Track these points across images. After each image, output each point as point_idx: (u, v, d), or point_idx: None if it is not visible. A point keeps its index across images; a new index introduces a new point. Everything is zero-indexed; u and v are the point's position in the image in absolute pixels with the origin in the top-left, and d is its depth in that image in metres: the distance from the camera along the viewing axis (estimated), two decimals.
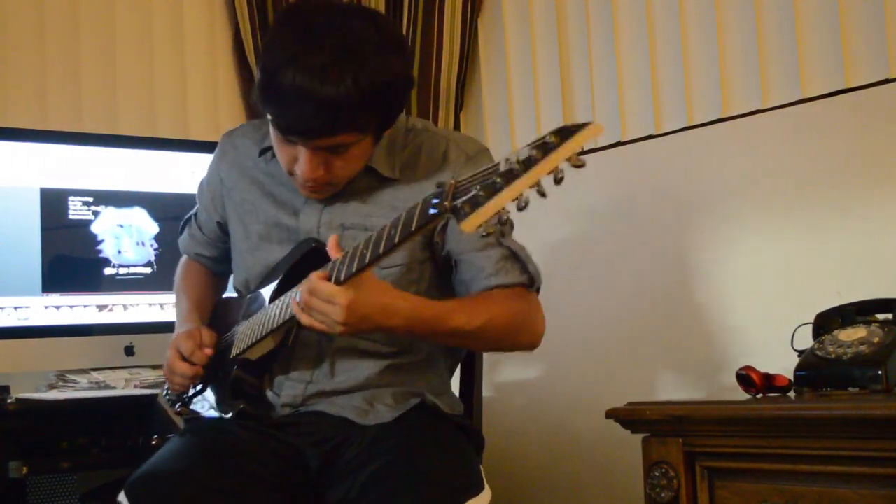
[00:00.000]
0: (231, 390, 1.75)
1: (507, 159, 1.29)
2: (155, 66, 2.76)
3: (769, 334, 2.15)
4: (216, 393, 1.81)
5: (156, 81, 2.76)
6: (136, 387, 2.33)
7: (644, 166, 2.52)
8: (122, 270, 2.43)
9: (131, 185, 2.45)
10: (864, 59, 2.16)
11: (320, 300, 1.53)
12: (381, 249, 1.45)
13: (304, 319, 1.58)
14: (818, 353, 1.86)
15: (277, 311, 1.67)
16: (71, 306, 2.36)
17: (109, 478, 2.27)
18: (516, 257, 1.74)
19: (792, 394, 1.88)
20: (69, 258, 2.37)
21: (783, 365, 1.91)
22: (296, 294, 1.61)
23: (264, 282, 1.79)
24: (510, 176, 1.27)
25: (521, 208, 1.28)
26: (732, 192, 2.34)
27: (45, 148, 2.36)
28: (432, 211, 1.35)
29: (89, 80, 2.65)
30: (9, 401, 2.11)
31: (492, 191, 1.27)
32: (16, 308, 2.30)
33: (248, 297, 1.83)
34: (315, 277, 1.54)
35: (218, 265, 2.01)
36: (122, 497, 1.52)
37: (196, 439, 1.66)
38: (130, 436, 2.11)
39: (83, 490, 2.33)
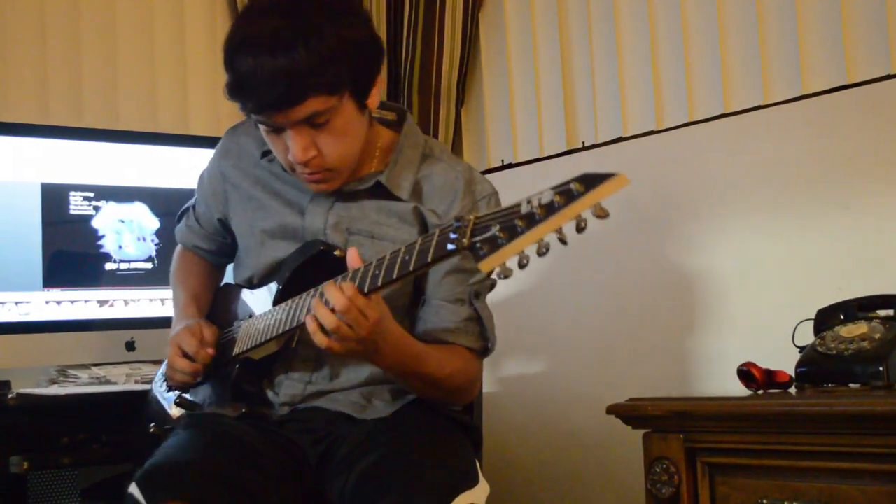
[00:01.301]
0: (232, 390, 1.76)
1: (529, 201, 1.27)
2: (156, 61, 2.76)
3: (770, 330, 2.14)
4: (216, 388, 1.81)
5: (156, 76, 2.76)
6: (136, 382, 2.33)
7: (645, 162, 2.51)
8: (123, 266, 2.43)
9: (132, 181, 2.45)
10: (865, 54, 2.16)
11: (355, 310, 1.50)
12: (395, 274, 1.45)
13: (323, 341, 1.54)
14: (819, 349, 1.86)
15: (283, 317, 1.66)
16: (72, 301, 2.36)
17: (110, 473, 2.27)
18: (480, 322, 1.75)
19: (793, 390, 1.88)
20: (70, 253, 2.37)
21: (784, 361, 1.91)
22: (305, 303, 1.60)
23: (267, 278, 1.79)
24: (531, 220, 1.26)
25: (541, 254, 1.27)
26: (734, 187, 2.34)
27: (46, 143, 2.36)
28: (450, 247, 1.35)
29: (90, 75, 2.65)
30: (9, 396, 2.11)
31: (512, 234, 1.27)
32: (17, 303, 2.30)
33: (251, 291, 1.83)
34: (350, 287, 1.51)
35: (215, 258, 2.01)
36: (133, 489, 1.52)
37: (203, 432, 1.66)
38: (131, 431, 2.10)
39: (84, 485, 2.33)
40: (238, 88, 1.59)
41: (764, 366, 1.90)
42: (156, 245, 2.46)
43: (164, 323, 2.33)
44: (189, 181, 2.44)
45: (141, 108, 2.72)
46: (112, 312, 2.40)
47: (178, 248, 2.05)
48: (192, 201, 2.01)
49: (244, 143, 1.87)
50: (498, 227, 1.28)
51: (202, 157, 2.49)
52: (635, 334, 2.49)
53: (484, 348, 1.77)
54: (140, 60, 2.74)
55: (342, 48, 1.58)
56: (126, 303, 2.42)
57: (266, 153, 1.81)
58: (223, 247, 1.97)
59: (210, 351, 1.78)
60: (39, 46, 2.60)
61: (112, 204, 2.42)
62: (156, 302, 2.45)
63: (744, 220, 2.31)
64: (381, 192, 1.74)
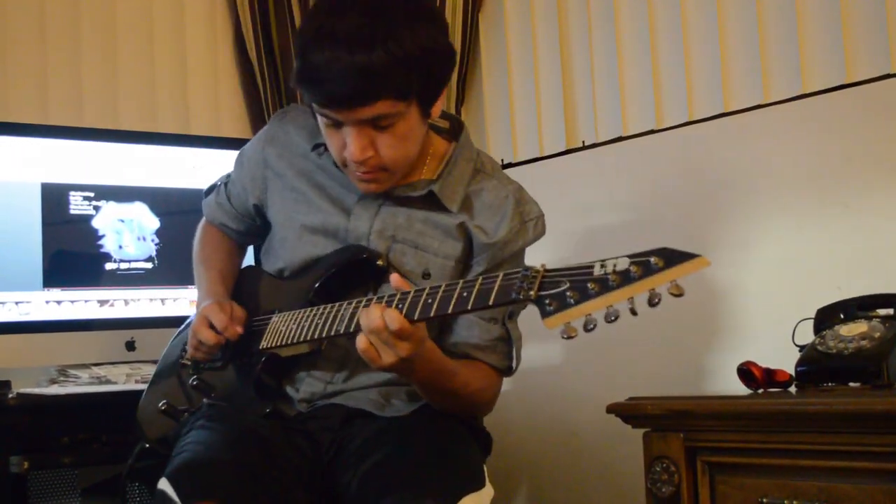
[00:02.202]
0: (255, 384, 1.74)
1: (603, 265, 1.27)
2: (156, 60, 2.76)
3: (770, 329, 2.14)
4: (236, 376, 1.80)
5: (156, 76, 2.76)
6: (137, 382, 2.33)
7: (645, 161, 2.51)
8: (123, 265, 2.43)
9: (132, 180, 2.45)
10: (865, 53, 2.16)
11: (393, 335, 1.48)
12: (451, 309, 1.42)
13: (363, 345, 1.52)
14: (819, 348, 1.86)
15: (321, 322, 1.63)
16: (72, 301, 2.36)
17: (110, 473, 2.27)
18: (509, 342, 1.75)
19: (793, 389, 1.88)
20: (70, 253, 2.37)
21: (784, 360, 1.91)
22: (346, 314, 1.58)
23: (301, 273, 1.78)
24: (604, 285, 1.25)
25: (610, 321, 1.25)
26: (733, 187, 2.34)
27: (46, 143, 2.36)
28: (514, 295, 1.33)
29: (90, 75, 2.66)
30: (10, 396, 2.11)
31: (583, 296, 1.26)
32: (17, 303, 2.30)
33: (281, 283, 1.81)
34: (397, 314, 1.47)
35: (243, 238, 1.98)
36: (164, 485, 1.51)
37: (230, 428, 1.65)
38: (132, 431, 2.11)
39: (84, 485, 2.33)
40: (309, 79, 1.57)
41: (764, 365, 1.90)
42: (156, 245, 2.46)
43: (164, 323, 2.34)
44: (189, 181, 2.45)
45: (141, 107, 2.72)
46: (112, 312, 2.40)
47: (203, 222, 2.01)
48: (223, 177, 1.97)
49: (292, 132, 1.83)
50: (568, 285, 1.28)
51: (202, 157, 2.51)
52: (635, 333, 2.49)
53: (508, 368, 1.77)
54: (140, 60, 2.74)
55: (419, 54, 1.56)
56: (126, 302, 2.42)
57: (316, 146, 1.78)
58: (252, 228, 1.94)
59: (239, 329, 1.75)
60: (39, 46, 2.60)
61: (112, 204, 2.42)
62: (156, 302, 2.46)
63: (743, 219, 2.31)
64: (430, 201, 1.73)
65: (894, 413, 1.56)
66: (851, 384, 1.79)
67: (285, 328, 1.71)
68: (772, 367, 1.90)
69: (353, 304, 1.58)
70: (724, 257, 2.34)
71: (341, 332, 1.58)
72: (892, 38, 2.11)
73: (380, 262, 1.69)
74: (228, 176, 1.96)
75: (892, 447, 1.57)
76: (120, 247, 2.42)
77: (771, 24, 2.31)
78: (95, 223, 2.40)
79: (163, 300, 2.45)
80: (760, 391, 1.89)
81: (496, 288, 1.37)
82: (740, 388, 1.92)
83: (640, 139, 2.53)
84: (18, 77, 2.57)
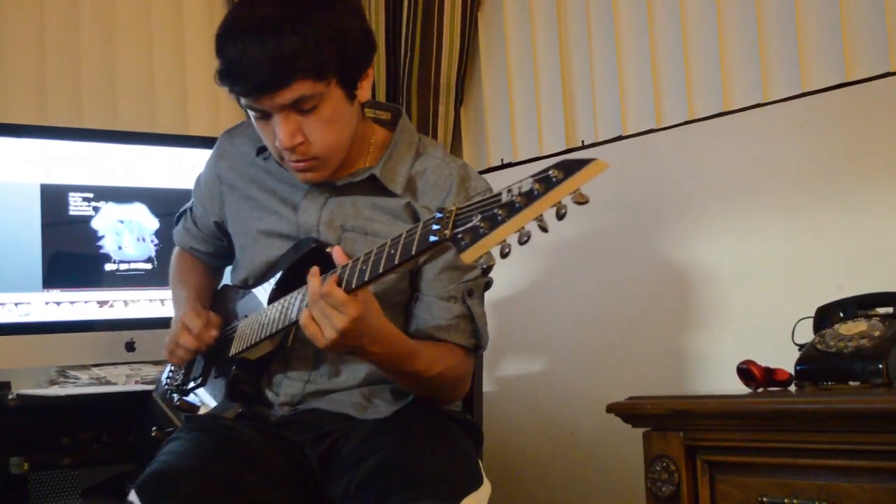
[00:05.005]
0: (229, 390, 1.76)
1: (509, 190, 1.28)
2: (155, 61, 2.77)
3: (770, 328, 2.14)
4: (216, 389, 1.82)
5: (156, 77, 2.76)
6: (136, 382, 2.33)
7: (645, 160, 2.51)
8: (123, 266, 2.43)
9: (132, 181, 2.45)
10: (864, 52, 2.16)
11: (328, 304, 1.51)
12: (381, 268, 1.45)
13: (304, 318, 1.55)
14: (819, 346, 1.85)
15: (276, 315, 1.67)
16: (72, 302, 2.36)
17: (110, 473, 2.27)
18: (472, 320, 1.76)
19: (793, 388, 1.87)
20: (70, 254, 2.37)
21: (784, 359, 1.91)
22: (296, 301, 1.61)
23: (263, 278, 1.80)
24: (511, 209, 1.26)
25: (522, 242, 1.27)
26: (733, 185, 2.34)
27: (46, 144, 2.36)
28: (432, 238, 1.35)
29: (89, 76, 2.66)
30: (10, 397, 2.11)
31: (493, 223, 1.27)
32: (16, 304, 2.30)
33: (247, 292, 1.83)
34: (331, 280, 1.52)
35: (213, 259, 2.02)
36: (133, 497, 1.51)
37: (203, 436, 1.65)
38: (131, 431, 2.11)
39: (84, 486, 2.33)
40: (227, 73, 1.61)
41: (763, 364, 1.90)
42: (155, 245, 2.46)
43: (163, 323, 2.32)
44: (189, 182, 2.44)
45: (140, 108, 2.73)
46: (112, 313, 2.40)
47: (176, 250, 2.06)
48: (188, 204, 2.02)
49: (239, 143, 1.88)
50: (479, 217, 1.29)
51: (202, 158, 2.48)
52: (635, 333, 2.49)
53: (475, 346, 1.77)
54: (139, 61, 2.74)
55: (330, 35, 1.59)
56: (126, 303, 2.42)
57: (261, 150, 1.82)
58: (220, 249, 1.98)
59: (214, 333, 1.80)
60: (39, 47, 2.60)
61: (111, 204, 2.42)
62: (155, 302, 2.46)
63: (743, 218, 2.31)
64: (374, 187, 1.75)
65: (894, 412, 1.56)
66: (851, 383, 1.79)
67: (248, 331, 1.74)
68: (771, 366, 1.90)
69: (302, 291, 1.60)
70: (723, 256, 2.34)
71: (293, 319, 1.61)
72: (892, 36, 2.11)
73: (329, 250, 1.69)
74: (191, 202, 2.00)
75: (892, 446, 1.57)
76: (119, 247, 2.42)
77: (770, 23, 2.30)
78: (95, 224, 2.40)
79: (162, 301, 2.45)
80: (760, 390, 1.88)
81: (417, 237, 1.39)
82: (740, 387, 1.92)
83: (640, 138, 2.53)
84: (18, 77, 2.57)
